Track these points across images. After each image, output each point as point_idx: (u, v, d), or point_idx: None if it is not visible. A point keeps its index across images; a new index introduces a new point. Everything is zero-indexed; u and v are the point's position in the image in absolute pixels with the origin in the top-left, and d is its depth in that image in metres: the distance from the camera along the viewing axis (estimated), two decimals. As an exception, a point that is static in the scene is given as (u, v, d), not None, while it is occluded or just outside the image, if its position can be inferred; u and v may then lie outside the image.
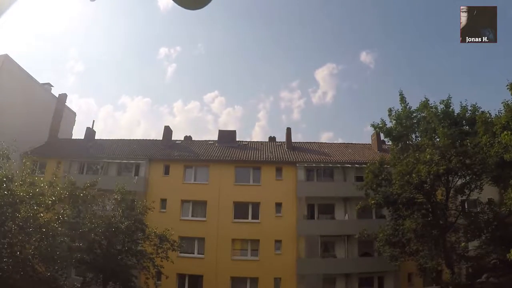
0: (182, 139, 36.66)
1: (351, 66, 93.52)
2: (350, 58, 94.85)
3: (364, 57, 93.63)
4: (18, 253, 14.90)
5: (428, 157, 20.36)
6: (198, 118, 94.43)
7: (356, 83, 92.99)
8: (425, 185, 21.43)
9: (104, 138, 36.85)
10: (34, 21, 79.58)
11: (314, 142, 36.47)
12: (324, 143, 36.57)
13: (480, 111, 22.50)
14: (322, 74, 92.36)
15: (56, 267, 16.64)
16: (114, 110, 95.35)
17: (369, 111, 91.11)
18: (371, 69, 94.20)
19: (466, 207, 24.92)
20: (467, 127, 23.36)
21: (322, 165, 31.15)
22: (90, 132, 36.03)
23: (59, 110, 35.83)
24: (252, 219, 29.37)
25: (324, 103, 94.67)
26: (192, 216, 29.67)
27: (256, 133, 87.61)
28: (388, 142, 28.26)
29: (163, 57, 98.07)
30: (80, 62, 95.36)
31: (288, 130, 35.03)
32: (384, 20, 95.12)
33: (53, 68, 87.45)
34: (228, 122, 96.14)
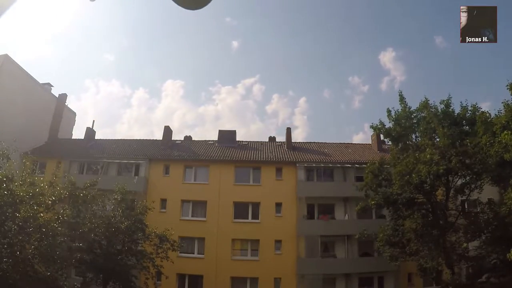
0: (182, 139, 36.72)
1: (425, 51, 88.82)
2: (424, 43, 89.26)
3: (440, 41, 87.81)
4: (18, 253, 14.87)
5: (428, 157, 20.31)
6: (240, 103, 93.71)
7: (428, 69, 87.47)
8: (425, 185, 21.41)
9: (104, 138, 36.97)
10: None
11: (314, 142, 36.49)
12: (324, 143, 36.57)
13: (480, 111, 22.47)
14: (388, 58, 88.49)
15: (56, 267, 16.59)
16: (150, 97, 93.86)
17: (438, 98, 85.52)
18: (448, 55, 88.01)
19: (466, 207, 24.88)
20: (467, 127, 23.34)
21: (322, 165, 31.16)
22: (90, 132, 36.01)
23: (59, 110, 35.90)
24: (252, 219, 29.37)
25: (393, 90, 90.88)
26: (192, 216, 29.66)
27: (307, 128, 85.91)
28: (388, 142, 28.23)
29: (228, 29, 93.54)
30: (123, 37, 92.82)
31: (288, 130, 35.06)
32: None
33: (90, 45, 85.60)
34: (278, 109, 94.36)
